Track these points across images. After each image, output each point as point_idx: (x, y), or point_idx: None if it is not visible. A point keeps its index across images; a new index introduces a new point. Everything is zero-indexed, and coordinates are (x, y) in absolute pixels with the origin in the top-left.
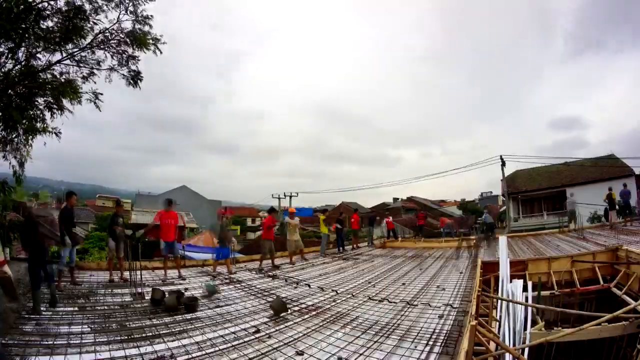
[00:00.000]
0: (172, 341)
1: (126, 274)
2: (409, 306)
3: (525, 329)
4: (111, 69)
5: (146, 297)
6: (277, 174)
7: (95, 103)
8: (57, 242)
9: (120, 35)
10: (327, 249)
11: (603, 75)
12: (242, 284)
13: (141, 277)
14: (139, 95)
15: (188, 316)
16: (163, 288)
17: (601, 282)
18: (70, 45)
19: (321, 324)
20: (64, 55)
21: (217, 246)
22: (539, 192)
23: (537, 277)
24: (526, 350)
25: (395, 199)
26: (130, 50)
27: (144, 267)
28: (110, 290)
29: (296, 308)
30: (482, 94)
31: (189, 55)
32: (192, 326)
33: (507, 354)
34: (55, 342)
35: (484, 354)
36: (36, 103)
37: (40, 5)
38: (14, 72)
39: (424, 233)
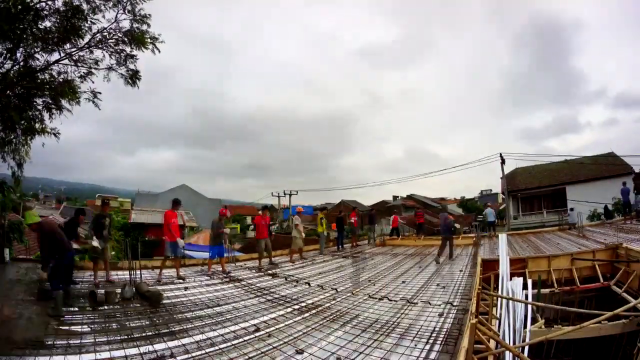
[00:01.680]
0: (172, 340)
1: (113, 275)
2: (409, 304)
3: (525, 326)
4: (109, 68)
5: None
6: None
7: (94, 102)
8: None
9: (118, 34)
10: (326, 247)
11: None
12: (242, 283)
13: (141, 277)
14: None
15: (188, 315)
16: (160, 288)
17: (601, 280)
18: (68, 45)
19: (321, 322)
20: (62, 55)
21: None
22: (539, 190)
23: (537, 275)
24: (526, 348)
25: (395, 197)
26: (128, 49)
27: (144, 266)
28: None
29: (296, 306)
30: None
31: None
32: (192, 325)
33: (507, 352)
34: (55, 343)
35: (484, 352)
36: (35, 103)
37: (38, 6)
38: (12, 72)
39: (424, 231)
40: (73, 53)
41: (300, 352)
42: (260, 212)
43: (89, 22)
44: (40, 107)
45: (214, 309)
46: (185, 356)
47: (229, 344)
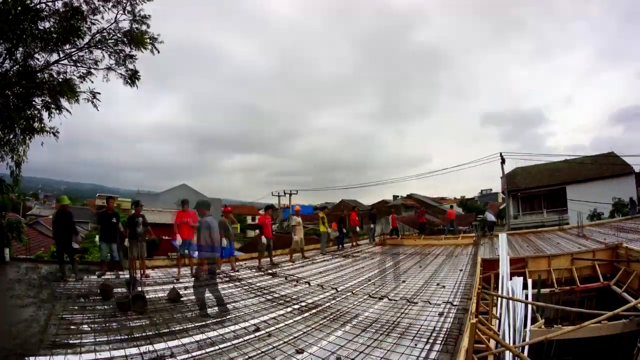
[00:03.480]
0: (172, 340)
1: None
2: (409, 304)
3: (525, 326)
4: (109, 68)
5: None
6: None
7: (93, 102)
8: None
9: (118, 34)
10: (326, 247)
11: None
12: (242, 282)
13: (141, 276)
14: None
15: (188, 315)
16: (159, 287)
17: (601, 279)
18: (67, 45)
19: (321, 322)
20: (62, 55)
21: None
22: (539, 190)
23: (537, 274)
24: (526, 347)
25: (395, 197)
26: (127, 50)
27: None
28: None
29: (296, 306)
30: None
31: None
32: (192, 325)
33: (507, 352)
34: (55, 341)
35: (484, 352)
36: (34, 103)
37: (38, 6)
38: (11, 72)
39: (425, 230)
40: (72, 53)
41: (300, 351)
42: (262, 212)
43: (88, 23)
44: (39, 107)
45: (214, 308)
46: (186, 356)
47: (229, 343)
